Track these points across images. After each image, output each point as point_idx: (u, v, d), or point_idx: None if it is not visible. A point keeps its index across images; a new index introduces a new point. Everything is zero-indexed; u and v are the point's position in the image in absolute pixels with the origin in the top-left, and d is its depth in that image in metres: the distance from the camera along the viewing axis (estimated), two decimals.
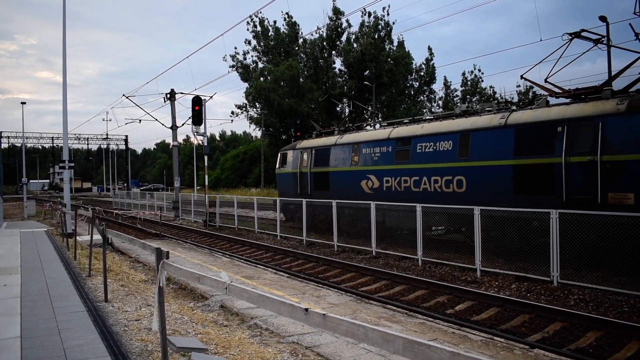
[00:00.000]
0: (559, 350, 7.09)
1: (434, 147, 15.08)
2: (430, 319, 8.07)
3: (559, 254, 10.08)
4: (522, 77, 18.02)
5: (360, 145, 18.24)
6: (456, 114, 15.94)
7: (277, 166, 24.07)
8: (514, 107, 14.39)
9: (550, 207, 10.82)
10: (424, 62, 51.38)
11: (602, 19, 26.59)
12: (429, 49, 52.76)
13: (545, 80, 13.57)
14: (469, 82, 49.90)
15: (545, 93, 14.01)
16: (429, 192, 15.06)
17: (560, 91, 13.37)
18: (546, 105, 13.12)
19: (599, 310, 8.75)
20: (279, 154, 23.89)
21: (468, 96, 49.22)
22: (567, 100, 12.85)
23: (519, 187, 12.69)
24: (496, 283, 10.88)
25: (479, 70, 50.01)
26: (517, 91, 48.89)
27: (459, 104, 48.27)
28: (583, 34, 12.99)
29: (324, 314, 2.66)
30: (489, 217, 11.83)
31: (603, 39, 13.03)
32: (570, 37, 13.22)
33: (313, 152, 20.89)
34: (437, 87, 53.26)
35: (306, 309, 2.78)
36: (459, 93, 50.60)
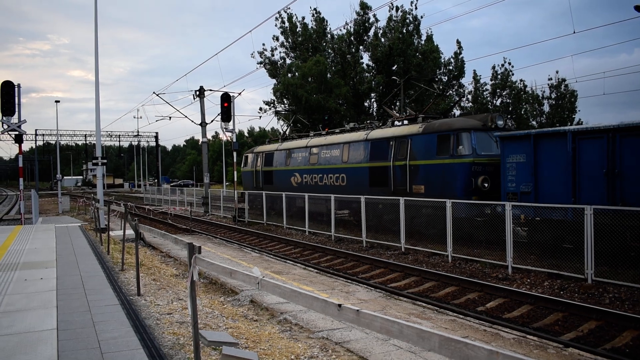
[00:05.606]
0: (594, 349, 6.94)
1: (330, 154, 21.01)
2: (461, 316, 7.99)
3: (593, 250, 9.88)
4: (380, 105, 25.87)
5: (291, 151, 24.14)
6: (346, 130, 22.00)
7: (241, 165, 29.87)
8: (375, 127, 20.29)
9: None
10: (453, 56, 50.59)
11: (638, 9, 25.78)
12: (458, 42, 51.52)
13: (380, 105, 17.92)
14: (499, 76, 48.82)
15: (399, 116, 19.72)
16: (328, 185, 20.88)
17: (402, 116, 19.67)
18: (391, 126, 18.90)
19: (636, 309, 8.52)
20: (243, 156, 29.80)
21: (498, 90, 48.22)
22: (407, 122, 18.41)
23: (371, 182, 18.32)
24: (528, 280, 10.69)
25: (509, 64, 48.79)
26: (548, 84, 47.58)
27: (488, 98, 47.46)
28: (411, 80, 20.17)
29: (357, 310, 2.65)
30: (359, 202, 16.64)
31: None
32: (402, 82, 17.98)
33: (263, 155, 26.71)
34: (466, 81, 52.27)
35: (339, 305, 2.77)
36: (488, 87, 49.52)
